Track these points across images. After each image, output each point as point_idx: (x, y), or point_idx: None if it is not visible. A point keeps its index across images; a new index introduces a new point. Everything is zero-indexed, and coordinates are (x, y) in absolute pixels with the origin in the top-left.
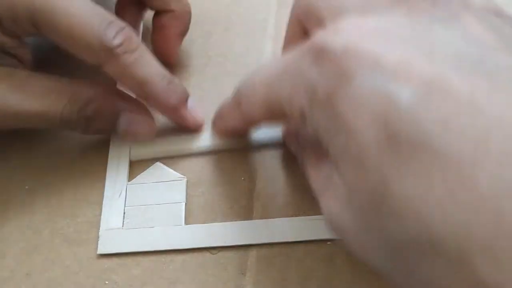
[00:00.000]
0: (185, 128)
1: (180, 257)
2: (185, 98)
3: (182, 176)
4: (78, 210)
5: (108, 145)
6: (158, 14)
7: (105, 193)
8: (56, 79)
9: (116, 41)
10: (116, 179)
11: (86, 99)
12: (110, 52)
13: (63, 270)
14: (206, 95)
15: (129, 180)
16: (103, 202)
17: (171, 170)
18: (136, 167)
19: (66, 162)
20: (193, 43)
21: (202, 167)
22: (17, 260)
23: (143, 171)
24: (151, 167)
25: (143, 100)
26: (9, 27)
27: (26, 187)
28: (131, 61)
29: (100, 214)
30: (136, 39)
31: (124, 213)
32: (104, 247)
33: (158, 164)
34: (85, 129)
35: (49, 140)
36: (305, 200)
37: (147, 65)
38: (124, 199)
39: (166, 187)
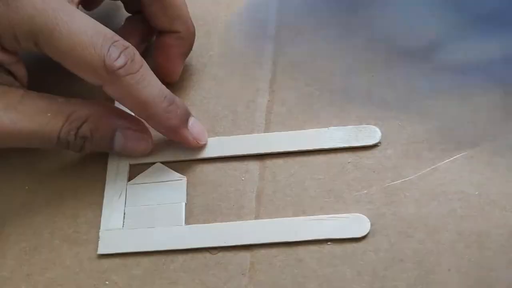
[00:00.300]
0: (186, 146)
1: (180, 257)
2: (186, 118)
3: (182, 176)
4: (79, 210)
5: None
6: (162, 33)
7: (105, 194)
8: (52, 98)
9: (119, 63)
10: (116, 179)
11: (83, 119)
12: (112, 73)
13: (63, 270)
14: (206, 95)
15: (129, 181)
16: (103, 202)
17: (171, 170)
18: (136, 167)
19: (66, 163)
20: (194, 43)
21: (202, 168)
22: (17, 260)
23: (143, 172)
24: (151, 167)
25: (144, 120)
26: (9, 45)
27: (26, 187)
28: (133, 83)
29: (100, 215)
30: (139, 58)
31: (125, 213)
32: (104, 248)
33: (158, 164)
34: (81, 148)
35: None
36: (305, 200)
37: (149, 86)
38: (124, 199)
39: (166, 187)
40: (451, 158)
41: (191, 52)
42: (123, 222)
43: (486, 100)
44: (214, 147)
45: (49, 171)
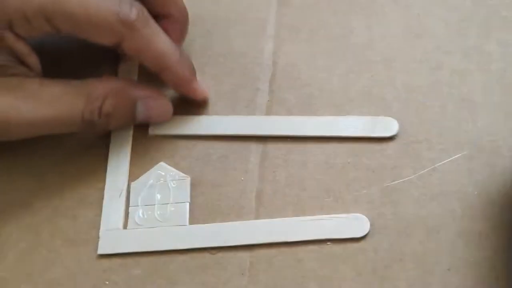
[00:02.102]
0: (194, 99)
1: (180, 258)
2: (194, 71)
3: (186, 175)
4: (78, 210)
5: (109, 146)
6: (156, 18)
7: (105, 194)
8: (67, 83)
9: (133, 15)
10: (116, 179)
11: (103, 96)
12: (130, 26)
13: (63, 271)
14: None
15: (130, 180)
16: (103, 202)
17: (174, 170)
18: (136, 167)
19: (66, 162)
20: (193, 43)
21: (202, 168)
22: (17, 260)
23: (143, 171)
24: (154, 167)
25: (159, 72)
26: (22, 28)
27: (26, 186)
28: (150, 34)
29: (100, 215)
30: (147, 12)
31: (128, 213)
32: (104, 248)
33: (162, 164)
34: (107, 126)
35: (49, 140)
36: (304, 200)
37: (162, 37)
38: (124, 199)
39: (170, 186)
40: (451, 158)
41: (191, 52)
42: (127, 222)
43: (485, 100)
44: (216, 124)
45: (49, 171)
